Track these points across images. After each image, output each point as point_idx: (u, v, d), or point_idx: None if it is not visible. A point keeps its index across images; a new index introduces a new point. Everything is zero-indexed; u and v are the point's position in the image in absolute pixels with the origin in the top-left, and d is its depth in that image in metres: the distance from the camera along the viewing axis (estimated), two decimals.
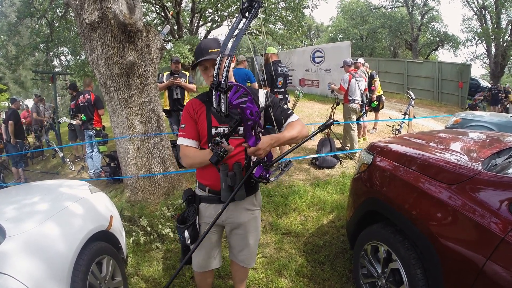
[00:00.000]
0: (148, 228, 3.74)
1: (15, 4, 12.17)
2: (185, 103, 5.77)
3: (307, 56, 15.00)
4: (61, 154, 8.46)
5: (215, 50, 1.78)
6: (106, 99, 4.53)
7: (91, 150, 6.99)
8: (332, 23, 39.45)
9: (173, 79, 6.03)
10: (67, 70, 15.90)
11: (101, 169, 6.64)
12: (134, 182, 4.60)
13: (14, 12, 12.45)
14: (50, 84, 13.02)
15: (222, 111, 1.35)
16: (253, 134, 1.56)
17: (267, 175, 1.75)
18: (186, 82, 6.13)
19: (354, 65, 7.06)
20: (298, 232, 3.68)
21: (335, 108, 7.14)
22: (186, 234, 1.92)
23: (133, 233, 3.65)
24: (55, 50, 14.36)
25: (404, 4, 28.11)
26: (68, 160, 8.21)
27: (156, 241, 3.65)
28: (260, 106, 1.91)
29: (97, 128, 6.90)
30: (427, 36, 29.08)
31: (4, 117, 8.48)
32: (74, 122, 7.86)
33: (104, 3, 3.79)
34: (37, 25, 13.16)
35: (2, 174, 8.04)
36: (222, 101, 1.35)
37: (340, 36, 33.69)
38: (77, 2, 3.93)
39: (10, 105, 8.49)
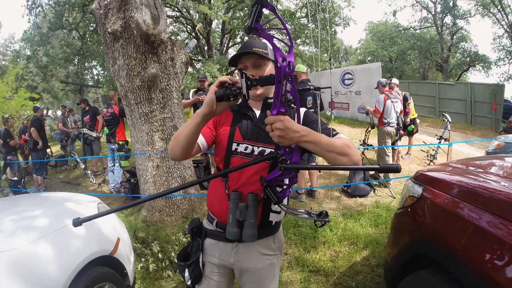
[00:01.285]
0: (160, 255, 3.42)
1: (47, 15, 12.58)
2: None
3: (337, 78, 14.65)
4: (82, 166, 8.40)
5: (261, 50, 1.48)
6: (127, 112, 4.34)
7: (112, 164, 6.90)
8: (360, 45, 39.03)
9: (199, 96, 5.87)
10: (97, 84, 16.24)
11: (121, 185, 6.46)
12: (151, 202, 4.37)
13: (46, 23, 12.88)
14: (78, 96, 13.27)
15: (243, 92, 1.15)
16: (280, 102, 1.13)
17: (280, 192, 1.34)
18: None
19: (389, 85, 6.64)
20: (327, 270, 3.27)
21: (369, 131, 6.71)
22: (186, 273, 1.57)
23: (143, 259, 3.37)
24: (85, 63, 14.69)
25: (433, 24, 27.34)
26: (89, 172, 8.12)
27: (168, 269, 3.33)
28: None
29: (120, 142, 6.78)
30: (457, 56, 28.11)
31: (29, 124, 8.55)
32: (94, 134, 7.90)
33: (127, 12, 3.60)
34: (68, 38, 13.50)
35: (23, 180, 7.98)
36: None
37: (369, 58, 33.16)
38: (101, 12, 3.78)
39: (34, 112, 8.53)
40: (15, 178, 7.78)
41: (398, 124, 5.99)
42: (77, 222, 1.18)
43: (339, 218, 4.45)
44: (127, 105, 4.19)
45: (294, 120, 1.17)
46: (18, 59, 14.13)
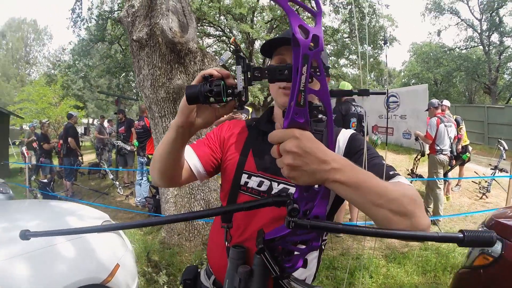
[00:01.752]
0: None
1: (90, 28, 13.11)
2: None
3: (381, 101, 13.96)
4: (111, 176, 8.37)
5: None
6: (151, 126, 4.11)
7: (141, 178, 6.77)
8: (404, 67, 37.74)
9: (233, 114, 5.50)
10: (136, 96, 16.63)
11: (145, 200, 6.26)
12: (171, 224, 4.06)
13: (88, 35, 13.44)
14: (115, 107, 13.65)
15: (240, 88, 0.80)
16: (297, 105, 0.68)
17: (289, 260, 0.83)
18: (248, 118, 5.44)
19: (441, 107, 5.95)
20: None
21: (419, 159, 6.03)
22: None
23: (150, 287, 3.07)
24: (123, 74, 15.05)
25: (480, 44, 25.69)
26: (117, 183, 8.03)
27: None
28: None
29: (149, 156, 6.61)
30: (505, 78, 26.23)
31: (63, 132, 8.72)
32: (128, 147, 7.91)
33: (153, 19, 3.36)
34: (108, 50, 13.93)
35: (53, 183, 8.06)
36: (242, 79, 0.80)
37: (413, 81, 31.93)
38: (129, 19, 3.57)
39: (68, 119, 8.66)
40: (45, 181, 7.86)
41: (451, 151, 5.30)
42: (24, 235, 0.82)
43: (381, 261, 3.85)
44: (152, 118, 3.94)
45: (322, 141, 0.72)
46: (66, 69, 14.79)
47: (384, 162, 0.98)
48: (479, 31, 25.08)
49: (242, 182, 1.10)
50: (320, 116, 0.70)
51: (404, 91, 13.75)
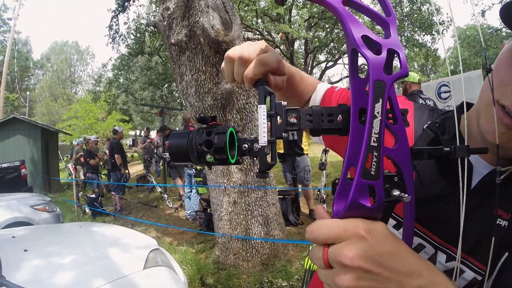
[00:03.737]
0: None
1: (127, 41, 13.46)
2: (303, 146, 5.30)
3: (432, 92, 12.96)
4: (159, 189, 8.33)
5: None
6: None
7: (189, 190, 6.62)
8: (450, 54, 35.68)
9: None
10: (180, 106, 16.76)
11: (196, 213, 6.05)
12: (225, 242, 3.81)
13: (127, 50, 13.78)
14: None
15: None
16: (364, 176, 0.41)
17: None
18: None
19: None
20: None
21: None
22: None
23: None
24: (165, 86, 15.24)
25: None
26: (166, 196, 7.91)
27: None
28: None
29: (198, 168, 6.38)
30: None
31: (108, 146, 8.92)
32: None
33: (192, 18, 3.01)
34: (148, 62, 14.11)
35: (101, 198, 8.17)
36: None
37: (460, 68, 30.14)
38: (165, 23, 3.26)
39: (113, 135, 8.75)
40: (93, 196, 7.96)
41: None
42: None
43: None
44: None
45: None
46: (108, 85, 15.28)
47: None
48: None
49: None
50: (400, 195, 0.44)
51: (457, 79, 12.71)
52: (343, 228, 0.40)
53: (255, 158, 0.54)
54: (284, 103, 0.51)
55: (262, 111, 0.50)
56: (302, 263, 3.55)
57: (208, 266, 3.85)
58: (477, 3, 28.75)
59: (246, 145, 0.53)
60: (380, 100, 0.41)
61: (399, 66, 0.44)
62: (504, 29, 26.13)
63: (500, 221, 0.59)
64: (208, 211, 5.52)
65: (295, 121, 0.51)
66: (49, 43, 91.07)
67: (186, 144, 0.53)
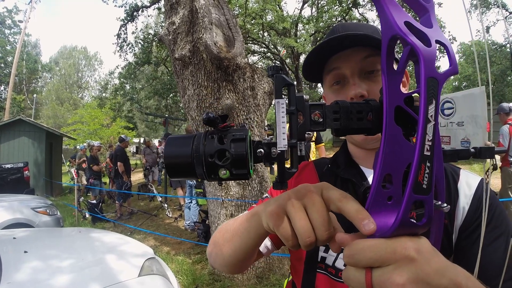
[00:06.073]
0: None
1: (134, 51, 13.77)
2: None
3: None
4: (159, 199, 8.35)
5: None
6: None
7: (189, 201, 6.65)
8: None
9: None
10: (184, 117, 16.95)
11: (194, 224, 6.09)
12: None
13: (134, 59, 13.94)
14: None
15: None
16: (413, 192, 0.36)
17: None
18: (312, 137, 4.88)
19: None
20: None
21: (490, 173, 5.33)
22: None
23: None
24: (172, 95, 15.40)
25: None
26: (166, 205, 7.97)
27: None
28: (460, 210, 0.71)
29: (199, 179, 6.43)
30: None
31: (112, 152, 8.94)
32: None
33: (196, 34, 3.13)
34: (154, 72, 14.28)
35: (101, 205, 8.16)
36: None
37: (464, 84, 30.16)
38: (170, 37, 3.37)
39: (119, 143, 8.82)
40: (94, 202, 7.98)
41: None
42: None
43: None
44: None
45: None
46: (114, 92, 15.47)
47: None
48: None
49: (319, 257, 0.76)
50: (443, 205, 0.41)
51: (460, 96, 12.72)
52: (391, 251, 0.36)
53: (272, 166, 0.45)
54: (306, 96, 0.44)
55: (280, 107, 0.41)
56: None
57: (204, 277, 3.88)
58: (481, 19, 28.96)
59: (262, 150, 0.43)
60: (434, 102, 0.35)
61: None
62: (508, 45, 26.25)
63: None
64: (206, 222, 5.47)
65: (320, 119, 0.43)
66: (57, 47, 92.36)
67: (190, 153, 0.41)
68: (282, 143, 0.41)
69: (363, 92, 0.72)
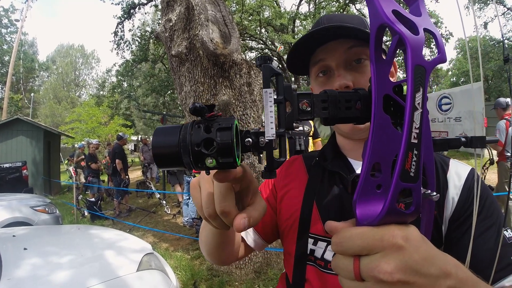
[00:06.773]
0: None
1: (132, 48, 13.73)
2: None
3: (432, 104, 13.04)
4: (158, 196, 8.37)
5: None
6: None
7: (188, 197, 6.64)
8: (452, 66, 35.82)
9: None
10: (182, 113, 16.96)
11: (193, 220, 6.11)
12: None
13: (131, 56, 13.92)
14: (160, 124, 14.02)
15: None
16: (400, 179, 0.36)
17: None
18: (310, 132, 4.90)
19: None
20: None
21: (487, 168, 5.35)
22: None
23: None
24: (169, 93, 15.42)
25: None
26: (164, 202, 7.98)
27: None
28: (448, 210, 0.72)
29: (196, 175, 6.44)
30: None
31: (111, 150, 8.88)
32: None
33: (192, 31, 3.13)
34: (151, 69, 14.29)
35: (100, 202, 8.21)
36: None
37: (462, 79, 30.27)
38: (167, 34, 3.37)
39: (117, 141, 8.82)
40: (93, 199, 8.01)
41: None
42: None
43: None
44: None
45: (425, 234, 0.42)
46: (111, 90, 15.48)
47: (506, 233, 0.65)
48: None
49: (308, 248, 0.76)
50: (432, 193, 0.40)
51: (457, 91, 12.79)
52: (379, 238, 0.36)
53: (261, 155, 0.46)
54: (294, 86, 0.43)
55: (268, 96, 0.41)
56: None
57: (202, 272, 3.90)
58: (479, 15, 28.91)
59: (250, 139, 0.42)
60: (421, 89, 0.35)
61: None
62: (506, 40, 26.30)
63: None
64: None
65: (308, 108, 0.43)
66: (54, 46, 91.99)
67: (176, 143, 0.41)
68: (270, 132, 0.41)
69: (348, 83, 0.73)
